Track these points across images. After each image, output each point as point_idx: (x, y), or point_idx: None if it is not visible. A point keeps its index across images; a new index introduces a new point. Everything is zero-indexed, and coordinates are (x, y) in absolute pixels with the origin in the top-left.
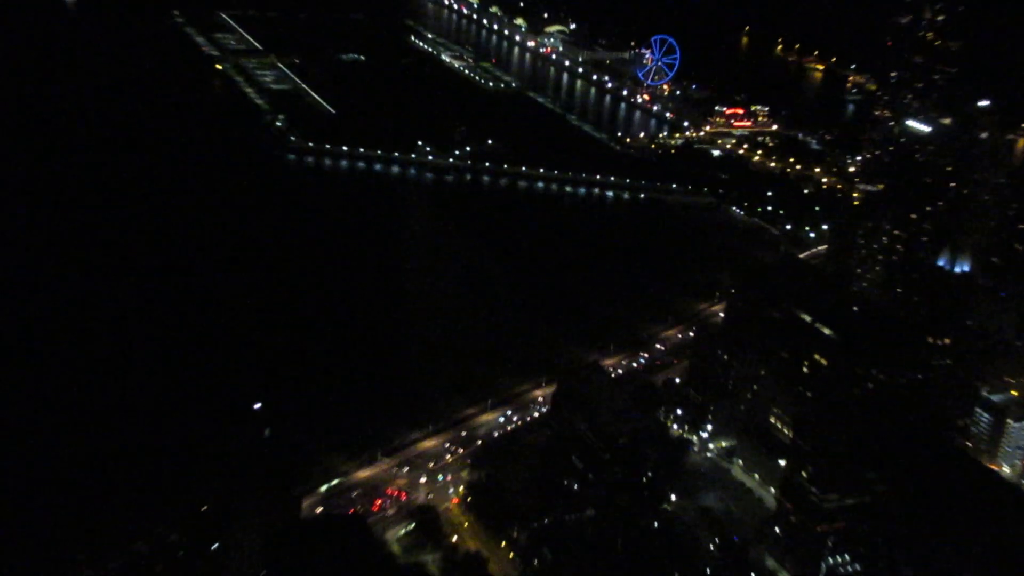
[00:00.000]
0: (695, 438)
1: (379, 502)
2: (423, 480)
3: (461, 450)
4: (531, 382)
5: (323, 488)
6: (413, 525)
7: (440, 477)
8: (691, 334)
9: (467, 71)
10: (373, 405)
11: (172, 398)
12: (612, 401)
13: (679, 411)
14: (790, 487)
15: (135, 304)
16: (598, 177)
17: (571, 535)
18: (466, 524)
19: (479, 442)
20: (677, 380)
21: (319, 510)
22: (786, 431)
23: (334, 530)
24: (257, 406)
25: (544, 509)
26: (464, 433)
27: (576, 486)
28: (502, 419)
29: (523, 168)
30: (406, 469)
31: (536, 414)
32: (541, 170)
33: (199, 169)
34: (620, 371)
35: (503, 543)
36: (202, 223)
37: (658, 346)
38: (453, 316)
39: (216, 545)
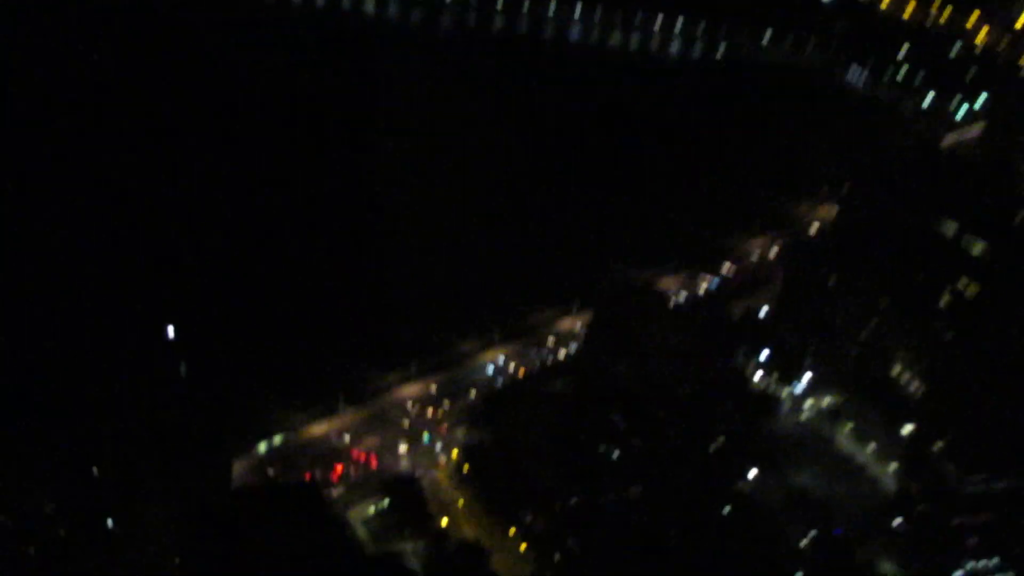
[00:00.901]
0: (785, 392)
1: (340, 468)
2: (401, 441)
3: (455, 401)
4: (556, 309)
5: (262, 447)
6: (387, 502)
7: (426, 437)
8: (783, 248)
9: None
10: (334, 336)
11: (50, 321)
12: (670, 338)
13: (764, 354)
14: (918, 464)
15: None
16: (651, 22)
17: (608, 523)
18: (460, 503)
19: (479, 391)
20: (762, 312)
21: (257, 477)
22: (914, 386)
23: (276, 505)
24: (170, 333)
25: (570, 485)
26: (460, 377)
27: (616, 454)
28: (513, 359)
29: (550, 6)
30: (379, 425)
31: (562, 353)
32: (576, 10)
33: None
34: (682, 297)
35: (511, 531)
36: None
37: (736, 264)
38: (449, 217)
39: (111, 522)
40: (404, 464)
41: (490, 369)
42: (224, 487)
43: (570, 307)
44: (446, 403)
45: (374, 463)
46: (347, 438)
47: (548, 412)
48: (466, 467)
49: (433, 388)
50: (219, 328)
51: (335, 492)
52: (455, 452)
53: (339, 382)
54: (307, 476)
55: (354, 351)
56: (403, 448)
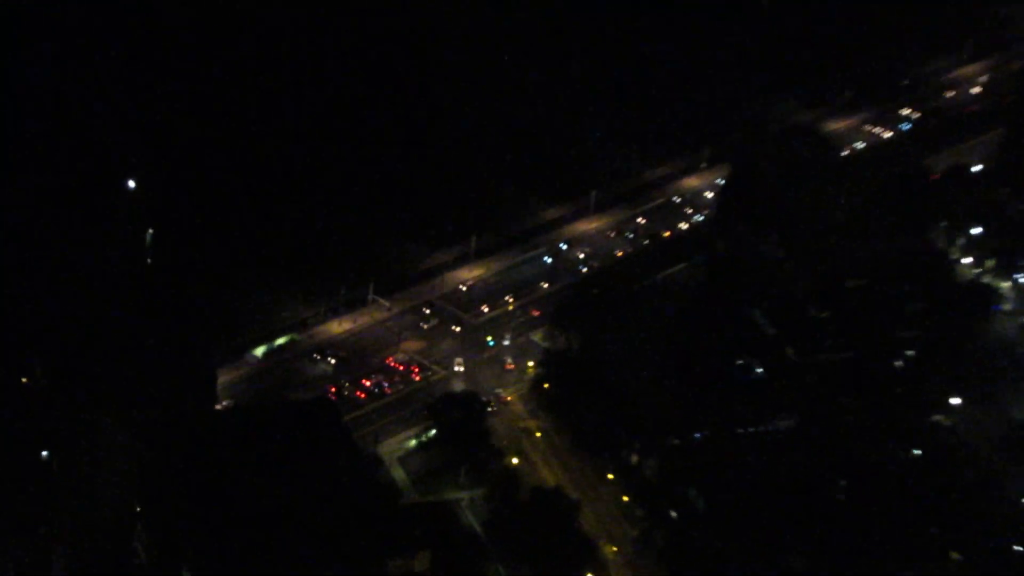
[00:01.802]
0: (1007, 284)
1: (367, 383)
2: (454, 347)
3: (529, 291)
4: (671, 163)
5: (259, 352)
6: (433, 432)
7: (489, 340)
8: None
9: None
10: (360, 197)
11: None
12: (837, 203)
13: (975, 230)
14: None
15: None
16: None
17: (745, 468)
18: (538, 435)
19: (564, 278)
20: (976, 167)
21: (252, 393)
22: None
23: (278, 433)
24: (130, 183)
25: (692, 414)
26: (536, 258)
27: (758, 370)
28: (612, 229)
29: None
30: (422, 323)
31: (684, 223)
32: None
33: None
34: (859, 144)
35: (608, 475)
36: None
37: (948, 88)
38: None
39: (49, 455)
40: (457, 378)
41: (581, 244)
42: (205, 407)
43: (696, 159)
44: (516, 295)
45: (416, 375)
46: (378, 340)
47: (661, 309)
48: (546, 385)
49: (498, 271)
50: (191, 178)
51: (360, 416)
52: (530, 365)
53: (367, 262)
54: (327, 392)
55: (387, 219)
56: (456, 357)
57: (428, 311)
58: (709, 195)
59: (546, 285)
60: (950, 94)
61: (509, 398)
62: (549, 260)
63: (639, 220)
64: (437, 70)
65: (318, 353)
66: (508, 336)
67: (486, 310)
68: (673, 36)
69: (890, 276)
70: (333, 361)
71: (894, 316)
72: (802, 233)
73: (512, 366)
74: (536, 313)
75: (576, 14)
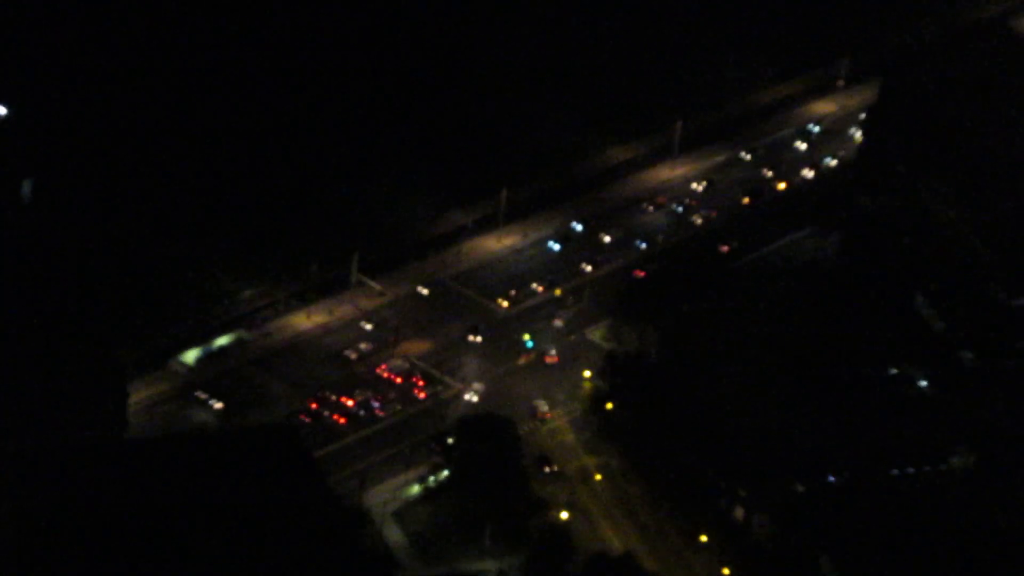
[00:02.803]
0: None
1: (351, 402)
2: (475, 348)
3: (585, 271)
4: (793, 81)
5: (191, 356)
6: (445, 473)
7: (527, 340)
8: None
9: None
10: (344, 134)
11: None
12: None
13: None
14: None
15: None
16: None
17: (902, 525)
18: (598, 477)
19: (636, 248)
20: None
21: (180, 415)
22: None
23: (220, 470)
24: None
25: (822, 447)
26: (596, 220)
27: (923, 382)
28: (704, 177)
29: None
30: (429, 313)
31: (809, 169)
32: None
33: None
34: None
35: (700, 537)
36: None
37: None
38: None
39: None
40: (481, 395)
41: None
42: (110, 436)
43: (829, 75)
44: (566, 275)
45: (419, 391)
46: (365, 341)
47: (776, 295)
48: (609, 405)
49: (539, 240)
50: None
51: (339, 450)
52: (586, 376)
53: (352, 227)
54: (293, 415)
55: (382, 164)
56: (479, 364)
57: (438, 297)
58: (848, 128)
59: (608, 262)
60: None
61: (556, 424)
62: (627, 219)
63: (743, 163)
64: None
65: (203, 391)
66: (554, 333)
67: (522, 296)
68: None
69: None
70: (219, 406)
71: None
72: (987, 183)
73: (559, 376)
74: (592, 301)
75: None
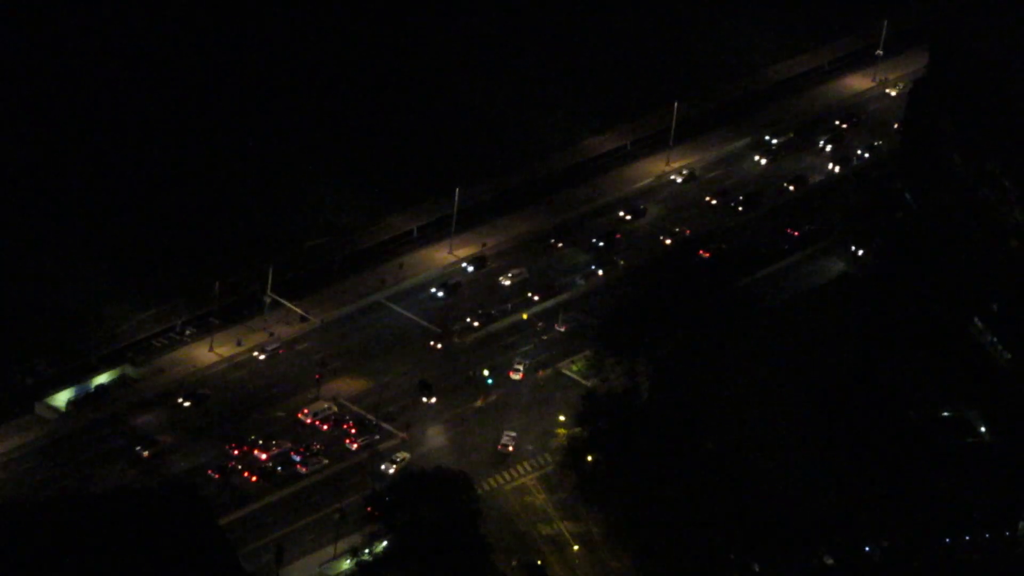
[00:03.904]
0: None
1: (265, 455)
2: (425, 387)
3: (556, 293)
4: (817, 52)
5: (61, 398)
6: (383, 544)
7: (487, 376)
8: None
9: None
10: (258, 120)
11: None
12: None
13: None
14: None
15: None
16: None
17: None
18: (575, 548)
19: (614, 268)
20: None
21: (48, 473)
22: None
23: (104, 543)
24: None
25: (859, 510)
26: (570, 223)
27: (984, 428)
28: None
29: None
30: (366, 345)
31: (836, 164)
32: None
33: None
34: None
35: None
36: None
37: None
38: None
39: None
40: (430, 446)
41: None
42: None
43: (863, 44)
44: (535, 294)
45: (352, 440)
46: (282, 379)
47: (796, 318)
48: (589, 456)
49: (502, 250)
50: None
51: (252, 515)
52: (560, 420)
53: (266, 237)
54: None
55: (303, 156)
56: (427, 406)
57: (374, 322)
58: (885, 111)
59: (588, 276)
60: None
61: (524, 480)
62: (593, 239)
63: (754, 159)
64: None
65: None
66: (521, 367)
67: (480, 323)
68: None
69: None
70: (144, 455)
71: None
72: None
73: (527, 423)
74: (564, 327)
75: None
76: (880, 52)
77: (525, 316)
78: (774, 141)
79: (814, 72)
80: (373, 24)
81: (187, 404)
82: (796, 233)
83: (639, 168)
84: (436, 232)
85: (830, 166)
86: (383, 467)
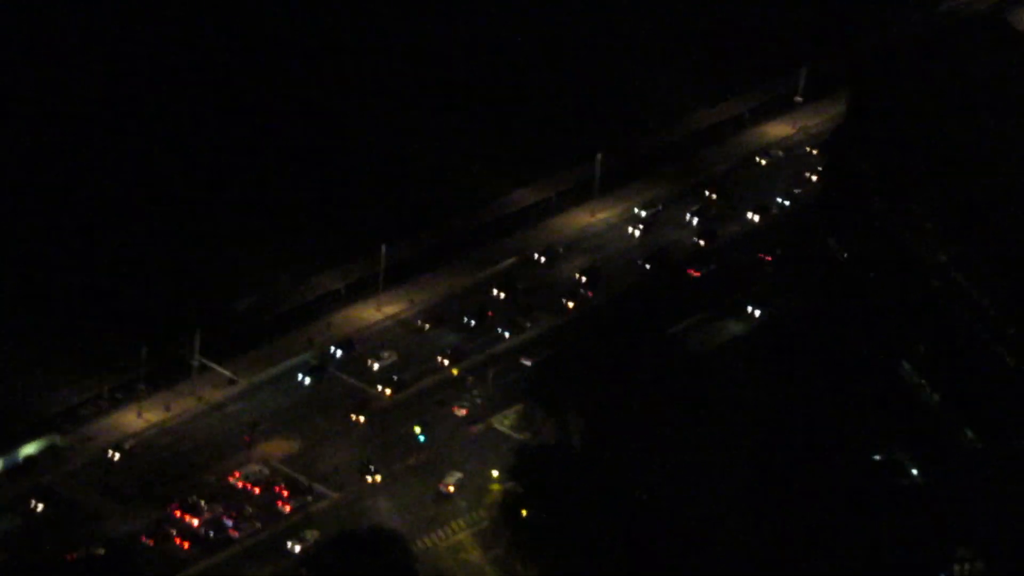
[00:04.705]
0: None
1: (195, 520)
2: (351, 445)
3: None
4: (738, 99)
5: None
6: None
7: (419, 433)
8: None
9: None
10: (178, 177)
11: None
12: None
13: None
14: None
15: None
16: None
17: None
18: None
19: (544, 316)
20: None
21: None
22: None
23: None
24: None
25: (795, 557)
26: (494, 275)
27: (916, 471)
28: (632, 222)
29: None
30: (294, 404)
31: (755, 213)
32: None
33: None
34: None
35: None
36: None
37: None
38: None
39: None
40: (362, 505)
41: (574, 260)
42: None
43: (785, 88)
44: (465, 350)
45: (284, 503)
46: (212, 442)
47: (730, 366)
48: (524, 512)
49: (429, 306)
50: None
51: None
52: (494, 476)
53: (193, 297)
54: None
55: (227, 215)
56: (358, 465)
57: (305, 382)
58: (810, 155)
59: (520, 332)
60: None
61: (460, 537)
62: (521, 286)
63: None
64: None
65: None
66: (467, 403)
67: (411, 378)
68: None
69: None
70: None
71: None
72: (987, 216)
73: (452, 487)
74: (500, 381)
75: None
76: (800, 98)
77: (456, 372)
78: (645, 213)
79: (734, 121)
80: (290, 78)
81: (116, 456)
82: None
83: (565, 220)
84: (363, 291)
85: (748, 215)
86: (289, 545)
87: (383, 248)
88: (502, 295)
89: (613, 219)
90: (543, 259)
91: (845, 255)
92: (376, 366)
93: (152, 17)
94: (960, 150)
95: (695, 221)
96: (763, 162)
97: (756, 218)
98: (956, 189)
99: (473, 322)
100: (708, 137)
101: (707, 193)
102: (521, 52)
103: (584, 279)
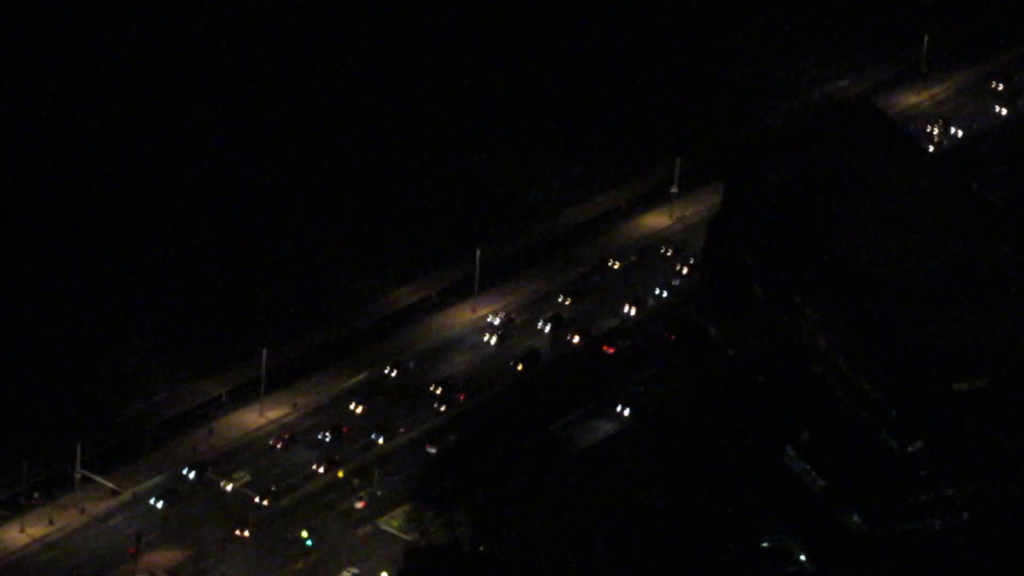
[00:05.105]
0: None
1: None
2: (238, 554)
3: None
4: (613, 192)
5: None
6: None
7: (306, 538)
8: None
9: None
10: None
11: None
12: (933, 237)
13: None
14: None
15: None
16: None
17: None
18: None
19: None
20: None
21: None
22: None
23: None
24: None
25: None
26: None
27: (803, 556)
28: (502, 326)
29: None
30: (178, 514)
31: (633, 306)
32: None
33: None
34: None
35: None
36: None
37: None
38: None
39: None
40: None
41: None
42: None
43: (661, 180)
44: (346, 453)
45: None
46: (95, 555)
47: (611, 460)
48: None
49: (308, 410)
50: None
51: None
52: None
53: (73, 405)
54: None
55: (98, 314)
56: (244, 572)
57: (188, 489)
58: (687, 245)
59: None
60: None
61: None
62: (320, 434)
63: (551, 301)
64: None
65: None
66: (364, 494)
67: (298, 481)
68: None
69: None
70: None
71: None
72: (866, 299)
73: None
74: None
75: None
76: (675, 189)
77: (341, 474)
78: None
79: (612, 213)
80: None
81: None
82: (612, 350)
83: (446, 318)
84: (246, 396)
85: (625, 309)
86: None
87: (263, 352)
88: (359, 409)
89: (488, 317)
90: (394, 372)
91: (727, 343)
92: (230, 487)
93: None
94: (834, 235)
95: (547, 329)
96: (616, 265)
97: (633, 311)
98: (834, 273)
99: (328, 438)
100: (585, 231)
101: (560, 299)
102: (398, 144)
103: (439, 389)
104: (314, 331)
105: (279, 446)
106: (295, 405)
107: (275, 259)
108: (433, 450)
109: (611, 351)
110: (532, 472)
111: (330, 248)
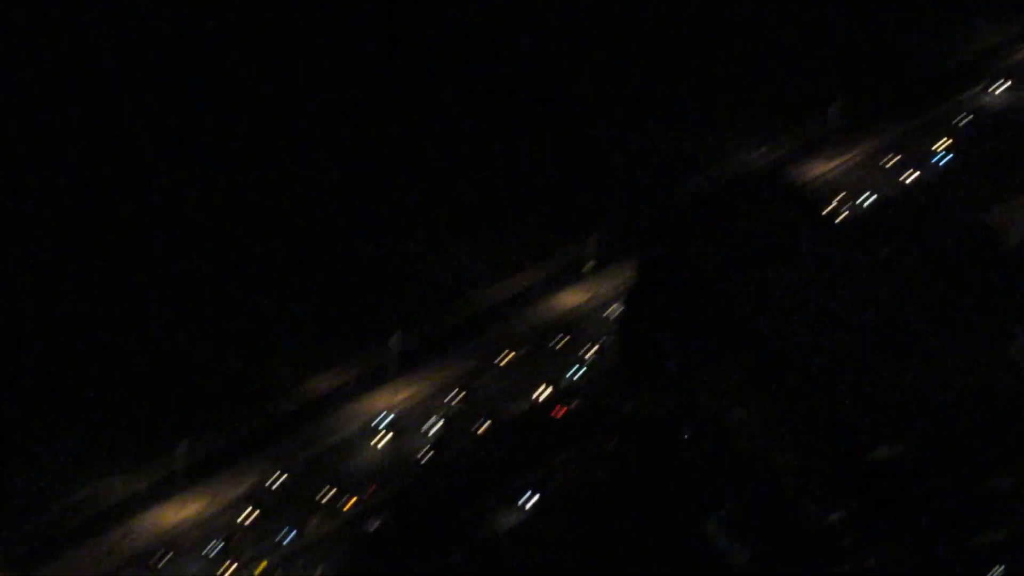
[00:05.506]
0: None
1: None
2: None
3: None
4: (528, 270)
5: None
6: None
7: None
8: None
9: None
10: None
11: None
12: (846, 307)
13: None
14: None
15: None
16: None
17: None
18: None
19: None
20: None
21: None
22: None
23: None
24: None
25: None
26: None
27: None
28: (422, 413)
29: None
30: None
31: (547, 385)
32: None
33: None
34: (867, 196)
35: None
36: None
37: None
38: None
39: None
40: None
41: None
42: None
43: (575, 258)
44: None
45: None
46: None
47: (538, 541)
48: None
49: (228, 506)
50: None
51: None
52: None
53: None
54: None
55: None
56: None
57: None
58: (602, 321)
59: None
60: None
61: None
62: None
63: (463, 392)
64: None
65: None
66: None
67: None
68: None
69: (956, 432)
70: None
71: (967, 506)
72: (783, 370)
73: None
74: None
75: None
76: (593, 263)
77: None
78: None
79: (527, 292)
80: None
81: None
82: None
83: (364, 405)
84: (163, 491)
85: (538, 392)
86: None
87: (184, 442)
88: (255, 513)
89: (411, 402)
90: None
91: (642, 419)
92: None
93: None
94: (752, 307)
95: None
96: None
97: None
98: (751, 345)
99: (218, 548)
100: (498, 313)
101: (455, 391)
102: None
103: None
104: (235, 420)
105: (162, 564)
106: (214, 497)
107: (185, 352)
108: (377, 523)
109: (562, 411)
110: (467, 550)
111: (247, 337)
